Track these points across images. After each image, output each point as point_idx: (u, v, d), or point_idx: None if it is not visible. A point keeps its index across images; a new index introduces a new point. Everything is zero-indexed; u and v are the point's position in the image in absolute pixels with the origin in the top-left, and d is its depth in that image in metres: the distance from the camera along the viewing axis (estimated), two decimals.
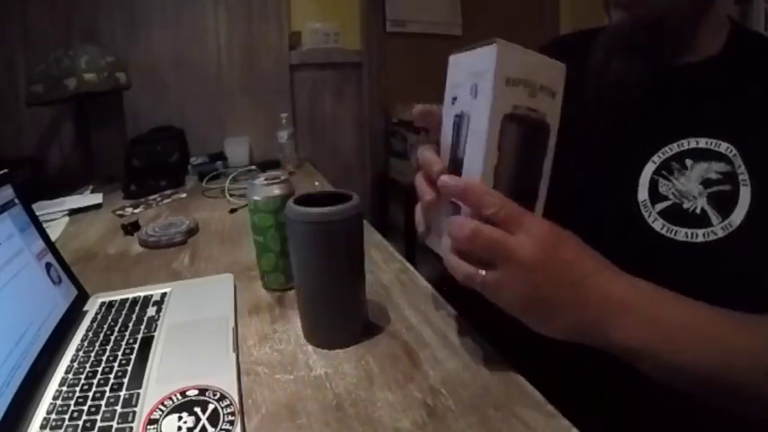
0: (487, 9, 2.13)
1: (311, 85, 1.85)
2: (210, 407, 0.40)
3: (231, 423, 0.38)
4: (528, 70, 0.39)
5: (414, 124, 0.50)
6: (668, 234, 0.47)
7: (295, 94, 1.82)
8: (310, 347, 0.51)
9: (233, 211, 1.05)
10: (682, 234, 0.46)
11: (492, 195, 0.38)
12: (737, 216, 0.44)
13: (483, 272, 0.38)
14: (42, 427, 0.39)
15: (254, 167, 1.44)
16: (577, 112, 0.59)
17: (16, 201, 0.55)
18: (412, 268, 0.70)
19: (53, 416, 0.40)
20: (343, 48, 1.87)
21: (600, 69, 0.55)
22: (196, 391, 0.42)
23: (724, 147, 0.47)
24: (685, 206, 0.47)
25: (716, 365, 0.38)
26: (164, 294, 0.61)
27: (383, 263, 0.72)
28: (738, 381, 0.38)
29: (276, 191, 0.59)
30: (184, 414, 0.39)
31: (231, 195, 1.15)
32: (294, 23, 1.79)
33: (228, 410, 0.39)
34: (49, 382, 0.45)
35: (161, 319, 0.55)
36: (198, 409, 0.40)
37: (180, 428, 0.38)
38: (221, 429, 0.38)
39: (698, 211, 0.46)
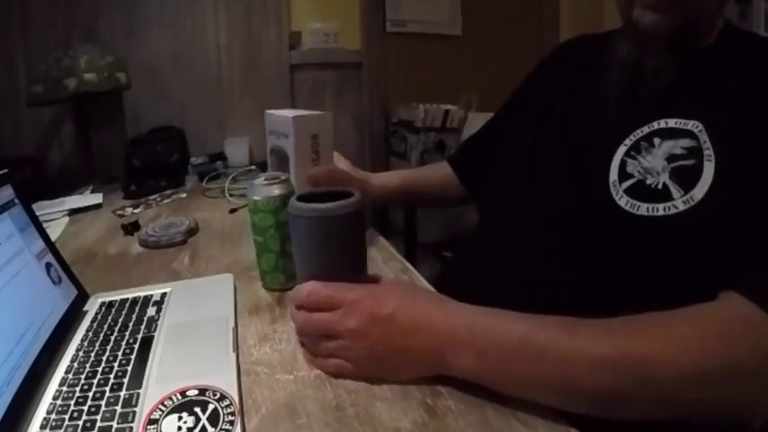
0: (487, 9, 2.13)
1: (311, 85, 1.85)
2: (210, 407, 0.40)
3: (231, 423, 0.38)
4: (274, 126, 0.75)
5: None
6: (631, 210, 0.48)
7: (295, 94, 1.82)
8: None
9: (233, 211, 1.05)
10: (644, 209, 0.47)
11: (304, 290, 0.46)
12: (700, 191, 0.45)
13: (329, 343, 0.45)
14: (42, 426, 0.39)
15: (254, 167, 1.44)
16: (575, 107, 0.61)
17: (16, 201, 0.55)
18: (412, 268, 0.69)
19: (53, 416, 0.40)
20: (343, 48, 1.87)
21: (632, 65, 0.55)
22: (196, 391, 0.42)
23: (692, 124, 0.48)
24: (648, 182, 0.48)
25: (552, 375, 0.38)
26: (164, 294, 0.61)
27: (383, 263, 0.72)
28: (583, 383, 0.38)
29: (276, 191, 0.59)
30: (184, 414, 0.39)
31: (231, 195, 1.15)
32: (294, 23, 1.79)
33: (228, 410, 0.39)
34: (49, 382, 0.45)
35: (161, 319, 0.55)
36: (198, 409, 0.40)
37: (180, 428, 0.38)
38: (221, 429, 0.38)
39: (659, 186, 0.47)
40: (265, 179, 0.61)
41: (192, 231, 0.90)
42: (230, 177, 1.24)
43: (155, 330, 0.53)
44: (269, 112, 0.79)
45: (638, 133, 0.51)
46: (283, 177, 0.61)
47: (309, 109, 0.81)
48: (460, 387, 0.42)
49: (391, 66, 2.00)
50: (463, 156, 0.89)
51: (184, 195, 1.24)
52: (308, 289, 0.45)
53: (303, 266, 0.50)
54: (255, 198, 0.60)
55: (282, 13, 1.75)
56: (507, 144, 0.72)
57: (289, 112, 0.76)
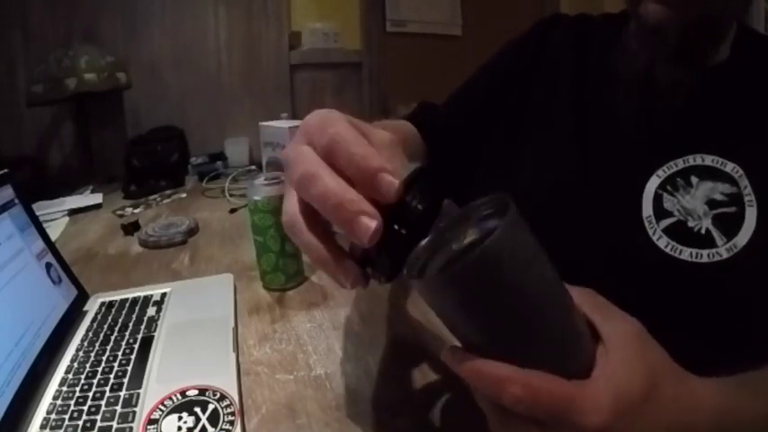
0: (487, 9, 2.13)
1: (311, 85, 1.85)
2: (210, 407, 0.40)
3: (231, 423, 0.38)
4: (270, 137, 0.79)
5: None
6: (673, 253, 0.45)
7: (295, 94, 1.81)
8: (310, 347, 0.51)
9: (233, 211, 1.05)
10: (686, 253, 0.45)
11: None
12: (742, 238, 0.44)
13: None
14: (42, 427, 0.39)
15: (253, 167, 1.44)
16: (585, 108, 0.54)
17: (16, 201, 0.55)
18: None
19: (53, 416, 0.40)
20: (343, 48, 1.87)
21: (644, 75, 0.50)
22: (196, 391, 0.42)
23: (730, 167, 0.46)
24: (690, 224, 0.46)
25: None
26: (164, 294, 0.61)
27: None
28: None
29: (276, 191, 0.59)
30: (184, 414, 0.39)
31: (231, 195, 1.15)
32: (294, 23, 1.79)
33: (228, 410, 0.39)
34: (49, 382, 0.45)
35: (161, 319, 0.55)
36: (198, 409, 0.40)
37: (180, 428, 0.38)
38: (221, 429, 0.38)
39: (702, 231, 0.45)
40: (265, 179, 0.61)
41: (192, 231, 0.90)
42: (230, 177, 1.24)
43: (155, 330, 0.53)
44: (263, 123, 0.80)
45: (672, 166, 0.48)
46: (283, 177, 0.61)
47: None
48: (462, 388, 0.42)
49: (391, 66, 2.00)
50: (432, 122, 0.69)
51: (184, 195, 1.24)
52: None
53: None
54: (255, 198, 0.60)
55: (282, 13, 1.75)
56: (491, 124, 0.62)
57: (284, 123, 0.77)
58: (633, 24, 0.51)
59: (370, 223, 0.25)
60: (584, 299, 0.31)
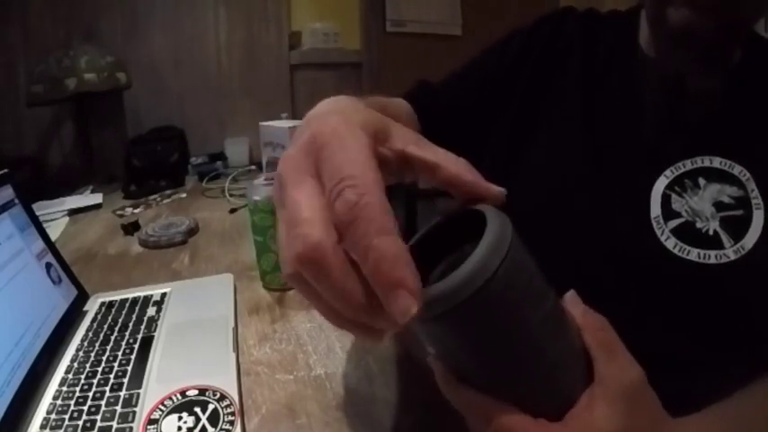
0: (487, 9, 2.13)
1: (311, 85, 1.85)
2: (210, 407, 0.40)
3: (231, 423, 0.38)
4: (270, 137, 0.79)
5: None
6: (680, 254, 0.45)
7: (295, 94, 1.81)
8: (310, 347, 0.51)
9: (233, 211, 1.05)
10: (694, 254, 0.45)
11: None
12: (750, 239, 0.44)
13: None
14: (42, 426, 0.39)
15: (254, 167, 1.44)
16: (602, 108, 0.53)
17: (16, 201, 0.55)
18: None
19: (53, 416, 0.40)
20: (343, 48, 1.87)
21: (669, 79, 0.49)
22: (196, 391, 0.42)
23: (737, 169, 0.46)
24: (698, 225, 0.46)
25: None
26: (164, 294, 0.61)
27: None
28: None
29: None
30: (184, 414, 0.39)
31: (231, 195, 1.15)
32: (294, 23, 1.79)
33: (228, 410, 0.39)
34: (49, 382, 0.45)
35: (161, 319, 0.55)
36: (198, 409, 0.40)
37: (180, 428, 0.38)
38: (221, 429, 0.38)
39: (710, 232, 0.45)
40: (265, 179, 0.61)
41: (192, 231, 0.90)
42: (230, 177, 1.24)
43: (155, 330, 0.53)
44: (264, 123, 0.79)
45: (680, 167, 0.48)
46: None
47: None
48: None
49: (391, 66, 2.00)
50: (431, 104, 0.68)
51: (184, 195, 1.24)
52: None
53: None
54: (255, 198, 0.60)
55: (282, 14, 1.75)
56: (497, 111, 0.60)
57: (284, 123, 0.76)
58: (657, 27, 0.50)
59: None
60: (593, 331, 0.30)
